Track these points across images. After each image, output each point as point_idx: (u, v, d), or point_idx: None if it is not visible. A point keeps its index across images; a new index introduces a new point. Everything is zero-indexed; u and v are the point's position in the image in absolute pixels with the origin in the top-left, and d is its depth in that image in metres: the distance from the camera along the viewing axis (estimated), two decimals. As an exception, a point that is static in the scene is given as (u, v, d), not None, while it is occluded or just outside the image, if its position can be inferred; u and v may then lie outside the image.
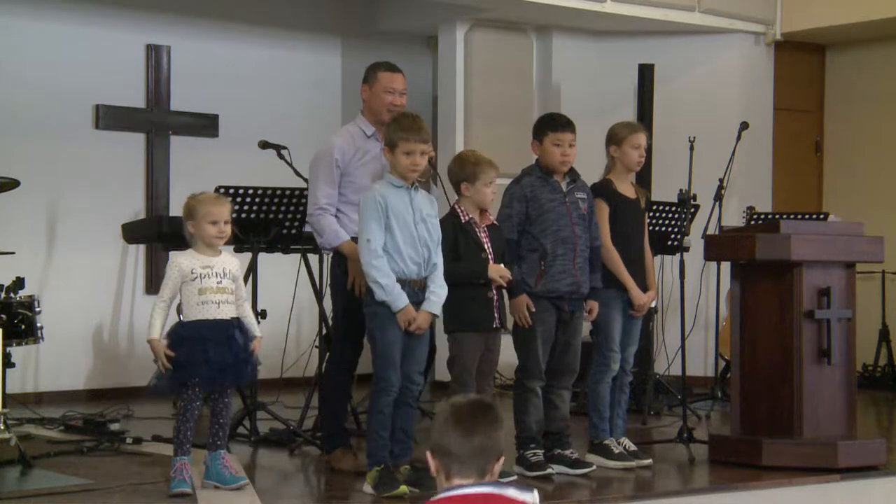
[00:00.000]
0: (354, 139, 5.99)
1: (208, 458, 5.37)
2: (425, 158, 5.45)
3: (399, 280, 5.31)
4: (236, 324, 5.29)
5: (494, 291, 5.67)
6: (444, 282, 5.43)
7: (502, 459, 3.07)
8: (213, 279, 5.22)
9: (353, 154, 5.93)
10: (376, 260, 5.29)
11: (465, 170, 5.69)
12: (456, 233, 5.64)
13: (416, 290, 5.38)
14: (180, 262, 5.23)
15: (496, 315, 5.68)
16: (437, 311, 5.42)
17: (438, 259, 5.46)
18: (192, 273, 5.20)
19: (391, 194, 5.36)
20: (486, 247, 5.68)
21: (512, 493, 3.03)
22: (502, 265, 5.69)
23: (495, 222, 5.82)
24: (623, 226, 6.20)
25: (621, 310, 6.18)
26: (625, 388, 6.29)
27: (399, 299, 5.29)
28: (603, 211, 6.14)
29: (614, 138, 6.25)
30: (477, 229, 5.68)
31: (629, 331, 6.24)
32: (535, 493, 3.08)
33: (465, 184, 5.69)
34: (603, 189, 6.19)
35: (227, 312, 5.26)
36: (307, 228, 6.86)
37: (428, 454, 3.06)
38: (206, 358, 5.16)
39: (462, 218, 5.68)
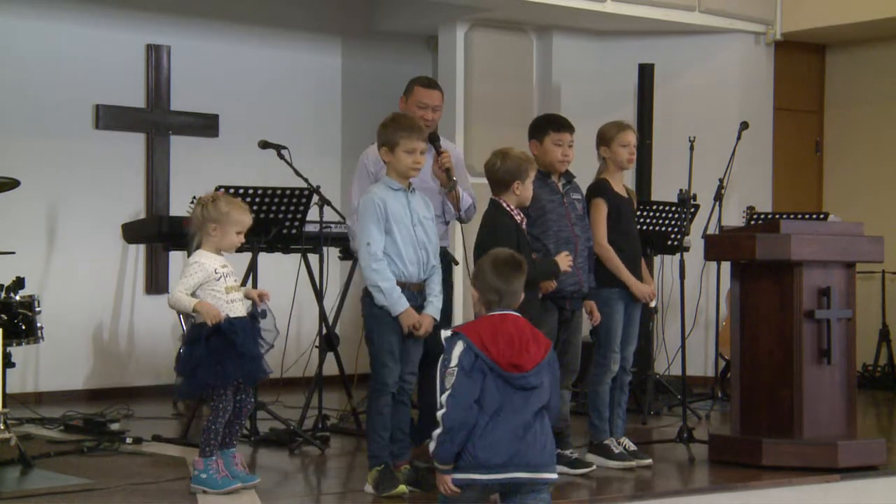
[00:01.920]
0: None
1: (219, 456, 5.32)
2: (424, 158, 5.45)
3: (399, 283, 5.30)
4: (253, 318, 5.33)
5: None
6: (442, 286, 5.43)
7: (522, 296, 4.48)
8: (231, 278, 5.26)
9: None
10: (376, 263, 5.28)
11: (521, 167, 5.61)
12: (518, 232, 5.59)
13: (415, 293, 5.37)
14: (204, 262, 5.20)
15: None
16: (438, 314, 5.41)
17: (437, 261, 5.46)
18: (216, 273, 5.19)
19: (389, 197, 5.35)
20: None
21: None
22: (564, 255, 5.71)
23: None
24: (625, 225, 6.21)
25: (621, 309, 6.18)
26: (624, 388, 6.29)
27: (399, 303, 5.28)
28: (601, 211, 6.14)
29: (604, 138, 6.26)
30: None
31: (628, 330, 6.25)
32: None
33: (517, 182, 5.62)
34: (601, 189, 6.19)
35: (244, 309, 5.29)
36: (307, 228, 6.88)
37: (473, 291, 4.50)
38: (244, 352, 5.16)
39: (517, 218, 5.64)
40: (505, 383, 4.25)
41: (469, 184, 6.23)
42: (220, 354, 5.11)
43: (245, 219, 5.30)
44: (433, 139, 5.92)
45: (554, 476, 4.40)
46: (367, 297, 5.38)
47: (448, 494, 4.31)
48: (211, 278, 5.17)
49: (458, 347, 4.27)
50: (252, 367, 5.23)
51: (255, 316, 5.31)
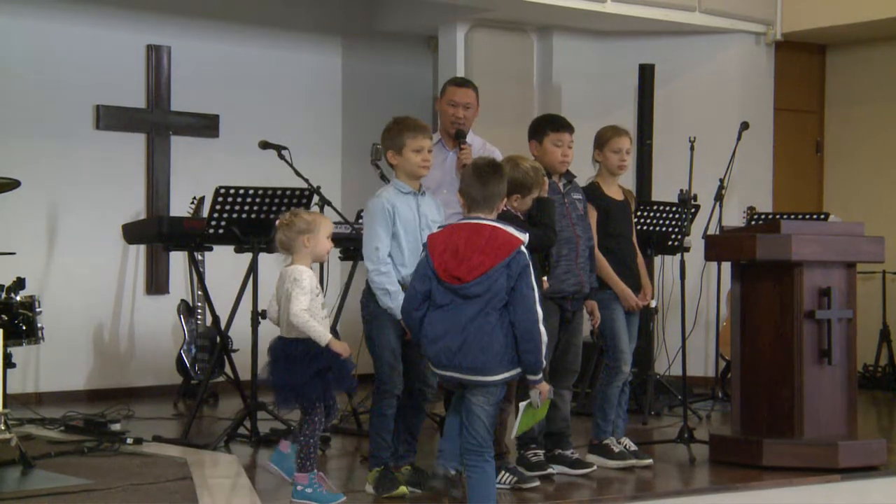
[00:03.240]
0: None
1: (319, 470, 5.25)
2: (433, 156, 5.47)
3: (402, 286, 5.29)
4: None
5: None
6: None
7: (505, 200, 5.00)
8: (322, 294, 5.21)
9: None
10: (384, 267, 5.30)
11: (527, 181, 5.54)
12: None
13: None
14: (304, 274, 5.10)
15: None
16: None
17: None
18: (316, 289, 5.14)
19: (399, 201, 5.36)
20: None
21: (511, 229, 4.77)
22: None
23: None
24: (614, 228, 6.22)
25: (620, 309, 6.20)
26: (625, 388, 6.30)
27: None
28: (591, 216, 6.15)
29: (598, 142, 6.29)
30: None
31: (629, 330, 6.25)
32: (527, 235, 4.80)
33: (517, 195, 5.56)
34: (590, 194, 6.20)
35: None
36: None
37: (458, 193, 4.92)
38: (340, 367, 5.12)
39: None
40: (447, 289, 4.75)
41: None
42: (322, 372, 5.07)
43: (330, 221, 5.25)
44: (459, 135, 6.08)
45: (495, 378, 4.72)
46: (367, 298, 5.38)
47: None
48: (314, 293, 5.11)
49: (424, 251, 4.86)
50: (349, 381, 5.22)
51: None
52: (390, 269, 5.30)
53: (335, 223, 6.98)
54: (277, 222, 5.24)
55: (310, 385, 5.08)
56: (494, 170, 4.90)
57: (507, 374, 4.77)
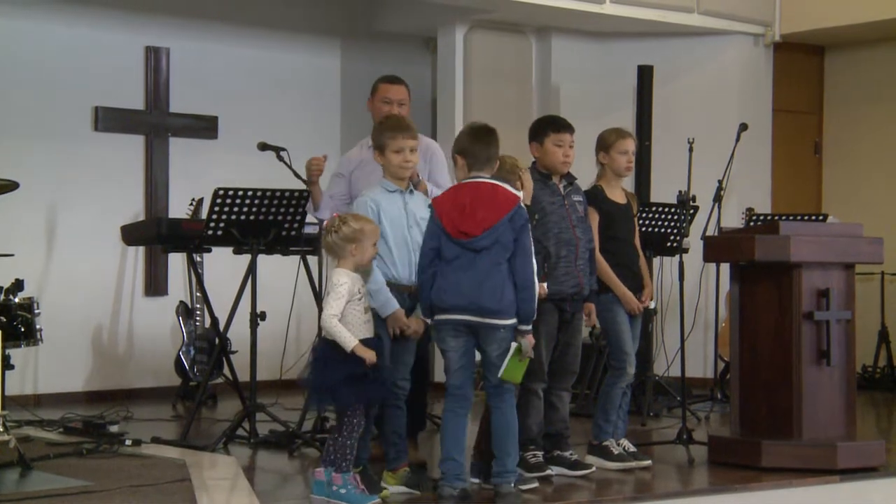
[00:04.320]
0: (361, 148, 6.17)
1: (355, 472, 5.20)
2: (416, 155, 5.44)
3: (389, 284, 5.30)
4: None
5: None
6: None
7: (498, 162, 5.33)
8: (366, 298, 5.20)
9: (358, 164, 6.11)
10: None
11: (502, 177, 5.55)
12: None
13: (406, 295, 5.36)
14: (347, 281, 5.11)
15: None
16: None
17: None
18: (358, 293, 5.13)
19: (384, 199, 5.35)
20: None
21: (507, 186, 5.21)
22: None
23: None
24: (616, 231, 6.21)
25: (622, 311, 6.18)
26: (627, 390, 6.29)
27: (388, 305, 5.27)
28: (593, 219, 6.14)
29: (602, 144, 6.27)
30: None
31: (632, 331, 6.24)
32: (522, 192, 5.31)
33: None
34: (593, 197, 6.19)
35: (372, 328, 5.24)
36: (306, 230, 6.88)
37: (456, 156, 5.29)
38: (378, 376, 5.13)
39: None
40: (456, 244, 5.13)
41: (447, 180, 6.23)
42: (359, 377, 5.07)
43: (376, 227, 5.24)
44: None
45: (507, 322, 5.11)
46: None
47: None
48: (353, 298, 5.11)
49: (431, 213, 5.24)
50: (385, 389, 5.21)
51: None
52: (374, 266, 5.27)
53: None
54: (325, 224, 5.29)
55: (342, 389, 5.07)
56: (491, 131, 5.33)
57: (512, 321, 5.14)
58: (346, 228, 5.14)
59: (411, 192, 5.45)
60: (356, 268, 5.17)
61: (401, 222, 5.36)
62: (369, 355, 5.06)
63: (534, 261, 5.18)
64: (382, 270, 5.30)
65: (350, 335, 5.06)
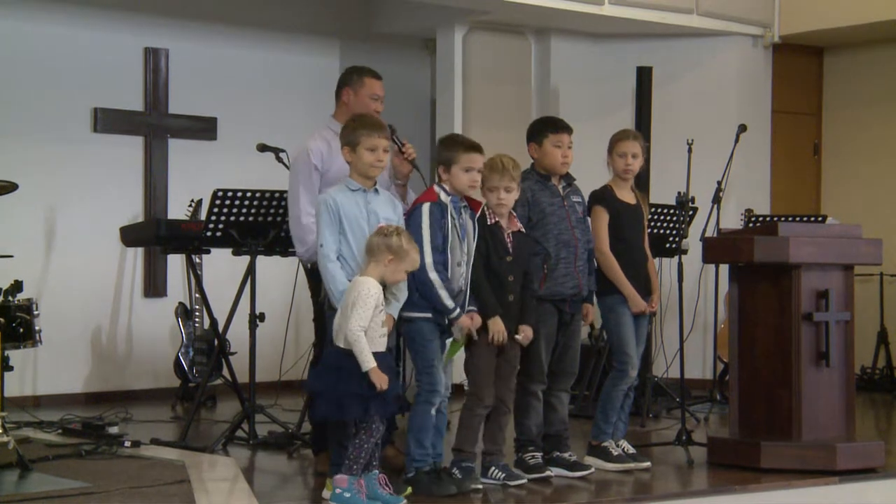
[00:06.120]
0: (329, 141, 5.99)
1: (361, 477, 5.14)
2: (388, 155, 5.39)
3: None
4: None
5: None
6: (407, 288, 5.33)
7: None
8: (384, 311, 5.12)
9: (328, 155, 5.93)
10: (330, 264, 5.21)
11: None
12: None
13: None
14: (375, 292, 5.03)
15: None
16: (395, 313, 5.28)
17: None
18: (380, 305, 5.05)
19: (345, 198, 5.27)
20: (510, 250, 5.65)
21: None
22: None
23: (522, 229, 5.77)
24: (625, 232, 6.20)
25: (627, 313, 6.16)
26: (629, 393, 6.28)
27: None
28: (602, 218, 6.13)
29: (609, 145, 6.28)
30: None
31: (636, 333, 6.24)
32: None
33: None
34: (602, 196, 6.19)
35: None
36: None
37: (440, 169, 5.54)
38: (387, 392, 5.05)
39: (489, 220, 5.64)
40: None
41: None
42: (365, 396, 5.01)
43: (417, 260, 5.17)
44: (393, 131, 5.77)
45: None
46: (326, 298, 5.33)
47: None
48: (377, 311, 5.04)
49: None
50: (390, 407, 5.15)
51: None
52: (335, 267, 5.19)
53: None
54: (380, 225, 5.17)
55: (350, 401, 5.01)
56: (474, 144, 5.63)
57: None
58: (396, 240, 5.06)
59: (376, 191, 5.38)
60: (381, 279, 5.08)
61: (362, 222, 5.25)
62: (381, 381, 4.97)
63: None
64: (346, 271, 5.21)
65: (371, 356, 4.96)
